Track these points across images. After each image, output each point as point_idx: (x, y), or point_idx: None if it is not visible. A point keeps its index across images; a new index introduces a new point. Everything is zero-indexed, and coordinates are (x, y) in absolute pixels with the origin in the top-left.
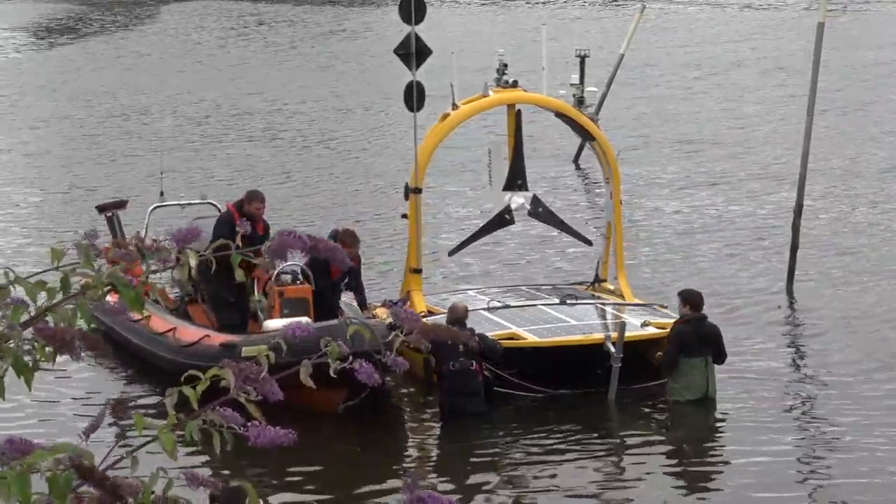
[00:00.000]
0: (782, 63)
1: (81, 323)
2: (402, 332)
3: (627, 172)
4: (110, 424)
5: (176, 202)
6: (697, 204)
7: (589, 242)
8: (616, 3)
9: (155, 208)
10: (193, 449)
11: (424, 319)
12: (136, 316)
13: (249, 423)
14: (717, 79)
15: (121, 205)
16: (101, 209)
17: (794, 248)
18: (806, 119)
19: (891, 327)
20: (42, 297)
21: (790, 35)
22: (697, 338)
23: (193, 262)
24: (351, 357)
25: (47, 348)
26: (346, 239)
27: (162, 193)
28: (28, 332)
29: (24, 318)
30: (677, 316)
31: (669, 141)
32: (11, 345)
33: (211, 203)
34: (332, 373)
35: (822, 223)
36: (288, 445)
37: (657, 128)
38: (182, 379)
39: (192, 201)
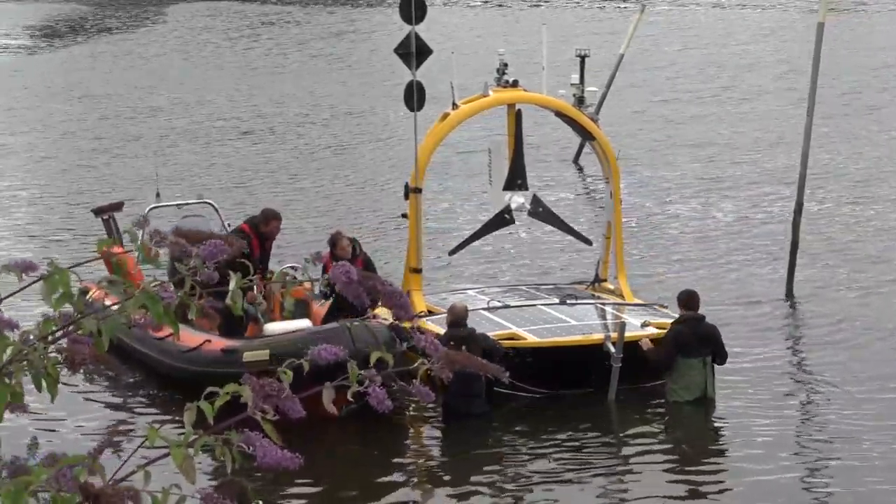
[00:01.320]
0: (783, 63)
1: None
2: (427, 360)
3: (628, 172)
4: (123, 434)
5: (172, 202)
6: (698, 204)
7: (589, 242)
8: (617, 4)
9: (151, 209)
10: (210, 463)
11: (422, 319)
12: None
13: (256, 442)
14: (718, 79)
15: (117, 207)
16: (98, 212)
17: (795, 247)
18: (805, 119)
19: (892, 327)
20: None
21: (791, 35)
22: (696, 338)
23: (234, 285)
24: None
25: (59, 366)
26: (332, 240)
27: (158, 194)
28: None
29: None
30: (677, 316)
31: (670, 140)
32: (27, 355)
33: (208, 202)
34: (349, 396)
35: (824, 223)
36: (293, 469)
37: (658, 127)
38: (203, 396)
39: (189, 201)
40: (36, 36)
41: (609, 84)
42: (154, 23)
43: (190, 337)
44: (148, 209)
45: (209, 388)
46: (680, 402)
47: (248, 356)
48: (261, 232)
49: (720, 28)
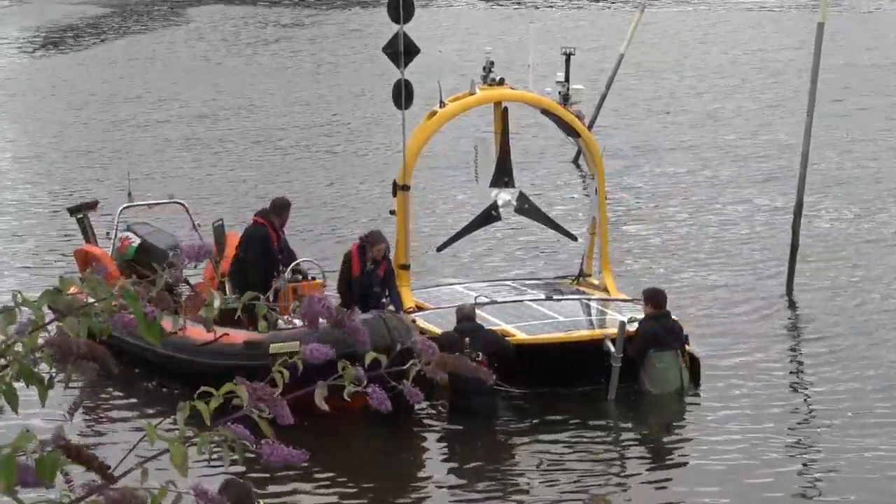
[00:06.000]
0: (783, 63)
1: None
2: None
3: (628, 172)
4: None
5: (144, 202)
6: (697, 204)
7: (574, 238)
8: (617, 4)
9: (124, 209)
10: (204, 462)
11: (413, 315)
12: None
13: (263, 441)
14: (718, 79)
15: (92, 206)
16: (73, 211)
17: (794, 248)
18: (805, 119)
19: (890, 329)
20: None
21: (791, 35)
22: (665, 332)
23: (218, 304)
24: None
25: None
26: (371, 238)
27: (130, 194)
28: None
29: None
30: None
31: (670, 140)
32: (18, 348)
33: (178, 202)
34: (345, 396)
35: (823, 224)
36: (299, 464)
37: (657, 127)
38: (195, 395)
39: (160, 201)
40: (45, 37)
41: (609, 84)
42: (153, 29)
43: (199, 330)
44: (120, 209)
45: (202, 389)
46: (661, 394)
47: (275, 348)
48: (274, 222)
49: (720, 28)
